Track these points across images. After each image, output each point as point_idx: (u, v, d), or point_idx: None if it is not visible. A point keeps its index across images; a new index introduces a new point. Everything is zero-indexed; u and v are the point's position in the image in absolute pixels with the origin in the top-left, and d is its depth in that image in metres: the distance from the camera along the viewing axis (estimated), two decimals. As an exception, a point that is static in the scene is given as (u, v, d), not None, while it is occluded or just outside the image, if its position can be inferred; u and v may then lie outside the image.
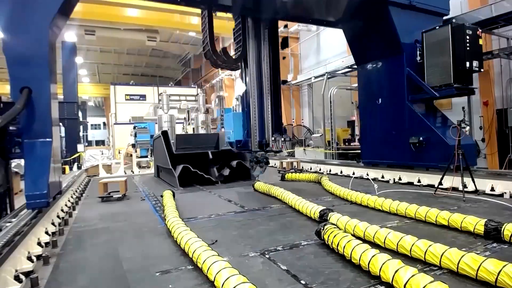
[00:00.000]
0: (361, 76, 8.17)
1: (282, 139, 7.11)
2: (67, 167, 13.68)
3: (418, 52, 6.73)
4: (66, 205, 5.09)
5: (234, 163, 7.44)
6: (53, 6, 4.67)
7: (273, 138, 6.85)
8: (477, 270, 2.13)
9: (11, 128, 4.35)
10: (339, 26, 8.27)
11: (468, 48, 5.90)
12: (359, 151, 8.58)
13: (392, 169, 6.97)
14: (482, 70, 6.24)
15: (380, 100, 7.38)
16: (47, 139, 4.46)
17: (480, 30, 6.15)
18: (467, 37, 5.91)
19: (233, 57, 7.05)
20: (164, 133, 8.07)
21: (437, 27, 6.34)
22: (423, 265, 2.44)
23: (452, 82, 6.03)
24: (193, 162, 7.18)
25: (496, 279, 2.04)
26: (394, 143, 7.04)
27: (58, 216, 4.30)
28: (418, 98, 6.67)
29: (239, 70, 7.19)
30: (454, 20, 6.43)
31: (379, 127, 7.48)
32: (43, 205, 3.99)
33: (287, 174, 7.77)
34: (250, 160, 7.05)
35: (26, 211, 4.00)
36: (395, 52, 6.92)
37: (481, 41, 6.13)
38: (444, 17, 7.34)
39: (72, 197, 5.86)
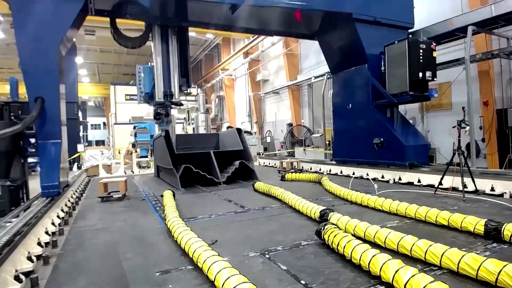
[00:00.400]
0: (335, 83, 9.09)
1: (187, 90, 7.53)
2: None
3: (382, 63, 7.40)
4: (66, 205, 5.10)
5: (236, 163, 7.40)
6: (66, 22, 5.38)
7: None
8: (477, 270, 2.13)
9: (27, 131, 5.25)
10: (315, 39, 9.13)
11: (421, 61, 6.64)
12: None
13: (360, 166, 7.79)
14: (435, 79, 6.94)
15: (350, 105, 8.28)
16: (57, 140, 5.29)
17: (434, 44, 6.86)
18: (421, 51, 6.62)
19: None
20: (166, 133, 8.00)
21: (396, 42, 6.99)
22: (424, 265, 2.44)
23: (408, 90, 6.79)
24: (194, 162, 7.11)
25: (496, 279, 2.04)
26: (361, 143, 7.91)
27: (58, 216, 4.31)
28: (381, 104, 7.50)
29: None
30: (410, 36, 7.16)
31: (349, 129, 8.43)
32: (55, 194, 4.86)
33: (287, 174, 7.76)
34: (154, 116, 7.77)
35: (38, 200, 4.69)
36: (361, 63, 7.76)
37: (435, 54, 6.87)
38: (410, 30, 8.07)
39: (72, 197, 5.86)
